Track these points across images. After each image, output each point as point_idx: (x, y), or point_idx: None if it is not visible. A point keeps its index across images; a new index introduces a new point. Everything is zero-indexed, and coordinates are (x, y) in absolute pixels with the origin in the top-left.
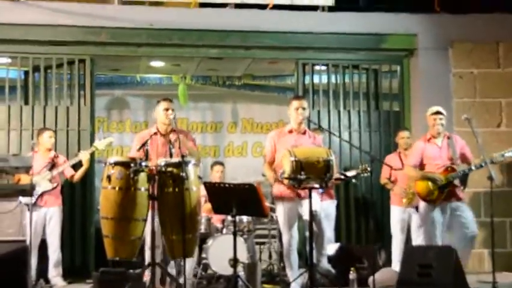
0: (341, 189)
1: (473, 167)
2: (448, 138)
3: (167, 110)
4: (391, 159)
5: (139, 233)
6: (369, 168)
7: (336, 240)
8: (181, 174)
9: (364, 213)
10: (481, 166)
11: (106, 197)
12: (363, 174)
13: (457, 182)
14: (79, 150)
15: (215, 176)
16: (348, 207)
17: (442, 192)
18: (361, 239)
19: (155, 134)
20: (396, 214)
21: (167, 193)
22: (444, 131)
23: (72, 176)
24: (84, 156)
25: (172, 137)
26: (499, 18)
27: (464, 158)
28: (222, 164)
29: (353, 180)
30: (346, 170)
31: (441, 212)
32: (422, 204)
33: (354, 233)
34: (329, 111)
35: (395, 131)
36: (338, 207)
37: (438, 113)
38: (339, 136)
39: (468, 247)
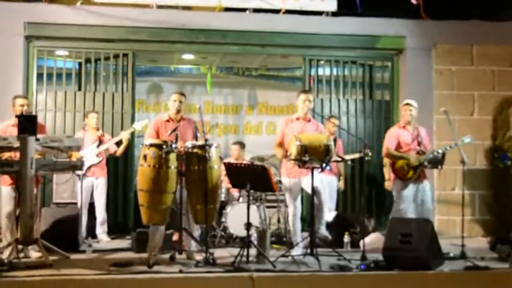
0: (340, 167)
1: (440, 151)
2: (417, 128)
3: (175, 101)
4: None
5: (169, 203)
6: (370, 153)
7: (336, 209)
8: (205, 154)
9: (359, 187)
10: (446, 149)
11: (142, 173)
12: (366, 157)
13: (426, 163)
14: (121, 129)
15: (233, 154)
16: (345, 182)
17: (415, 172)
18: (355, 208)
19: (167, 120)
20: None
21: (193, 170)
22: (414, 120)
23: (115, 152)
24: (124, 135)
25: (181, 123)
26: (473, 25)
27: (425, 147)
28: (240, 143)
29: (349, 163)
30: (346, 153)
31: (412, 189)
32: (397, 183)
33: (349, 203)
34: (330, 99)
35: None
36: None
37: (407, 104)
38: (338, 126)
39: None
